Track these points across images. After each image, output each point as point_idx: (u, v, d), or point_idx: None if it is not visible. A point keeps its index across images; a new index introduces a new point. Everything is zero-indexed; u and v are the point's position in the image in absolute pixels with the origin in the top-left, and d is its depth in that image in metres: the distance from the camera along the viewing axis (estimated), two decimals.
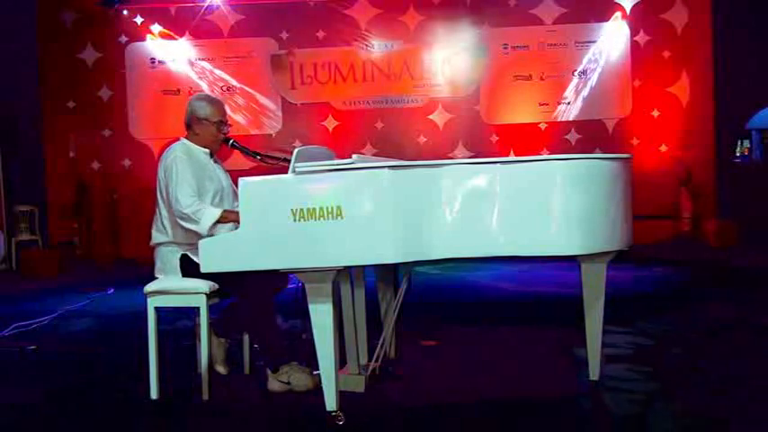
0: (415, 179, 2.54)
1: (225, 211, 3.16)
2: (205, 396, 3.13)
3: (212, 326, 3.31)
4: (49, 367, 3.88)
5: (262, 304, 3.17)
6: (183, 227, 3.19)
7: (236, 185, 2.64)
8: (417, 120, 9.07)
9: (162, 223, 3.29)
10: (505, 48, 9.04)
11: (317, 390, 2.77)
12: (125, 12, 8.79)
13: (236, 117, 8.75)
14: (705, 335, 4.07)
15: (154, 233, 3.34)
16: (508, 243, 2.55)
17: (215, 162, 3.44)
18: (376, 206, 2.48)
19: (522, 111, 9.03)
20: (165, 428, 2.95)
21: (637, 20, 8.88)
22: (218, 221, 3.11)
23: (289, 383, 3.15)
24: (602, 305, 2.99)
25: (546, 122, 9.02)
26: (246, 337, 3.48)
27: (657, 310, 4.74)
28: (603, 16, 8.93)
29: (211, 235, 3.02)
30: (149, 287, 3.18)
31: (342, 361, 3.08)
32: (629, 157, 2.90)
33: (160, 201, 3.29)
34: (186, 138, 3.41)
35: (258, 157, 3.42)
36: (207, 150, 3.40)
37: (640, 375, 3.28)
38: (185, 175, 3.20)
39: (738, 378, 3.19)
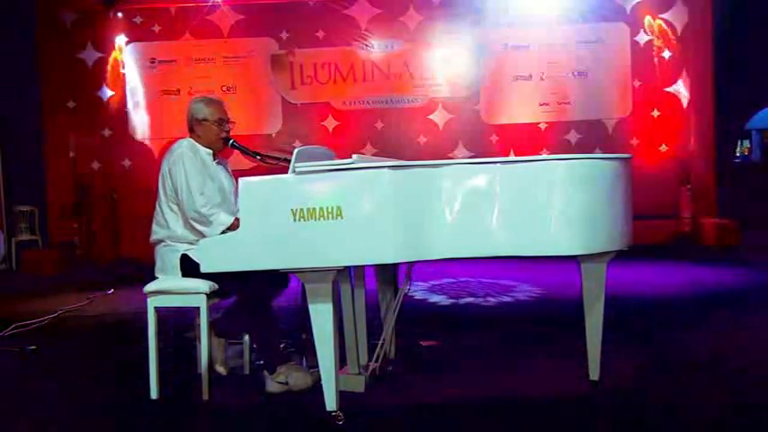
0: (415, 179, 2.54)
1: (236, 219, 3.14)
2: (205, 396, 3.13)
3: (212, 326, 3.30)
4: (49, 367, 3.88)
5: (261, 305, 3.17)
6: (190, 225, 3.20)
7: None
8: (417, 120, 9.07)
9: (163, 218, 3.29)
10: (505, 48, 9.04)
11: (317, 389, 2.77)
12: (123, 12, 8.80)
13: (236, 117, 8.73)
14: (706, 336, 4.08)
15: (154, 227, 3.34)
16: (508, 243, 2.55)
17: (218, 163, 3.44)
18: (376, 206, 2.48)
19: (522, 111, 9.03)
20: (165, 428, 2.94)
21: (637, 20, 8.89)
22: (228, 228, 3.10)
23: (287, 383, 3.15)
24: (602, 305, 2.99)
25: (546, 122, 9.02)
26: (246, 337, 3.48)
27: (659, 311, 4.74)
28: (603, 16, 8.93)
29: None
30: (149, 287, 3.18)
31: (342, 361, 3.08)
32: (629, 157, 2.89)
33: (162, 195, 3.29)
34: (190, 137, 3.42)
35: (258, 157, 3.43)
36: (210, 151, 3.40)
37: (640, 375, 3.28)
38: (194, 171, 3.21)
39: (738, 377, 3.19)
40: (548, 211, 2.55)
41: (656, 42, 8.59)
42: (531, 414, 2.85)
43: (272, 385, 3.16)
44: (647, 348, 3.81)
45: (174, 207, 3.26)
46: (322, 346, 2.63)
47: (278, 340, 3.29)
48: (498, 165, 2.59)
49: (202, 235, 3.11)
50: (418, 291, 5.71)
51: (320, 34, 8.99)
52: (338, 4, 8.97)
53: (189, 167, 3.22)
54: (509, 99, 9.05)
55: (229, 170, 3.53)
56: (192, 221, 3.20)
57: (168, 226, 3.28)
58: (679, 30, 8.88)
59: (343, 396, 2.76)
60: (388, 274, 3.51)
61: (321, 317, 2.62)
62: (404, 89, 9.05)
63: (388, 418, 2.89)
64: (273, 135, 9.00)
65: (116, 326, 4.96)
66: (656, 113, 8.92)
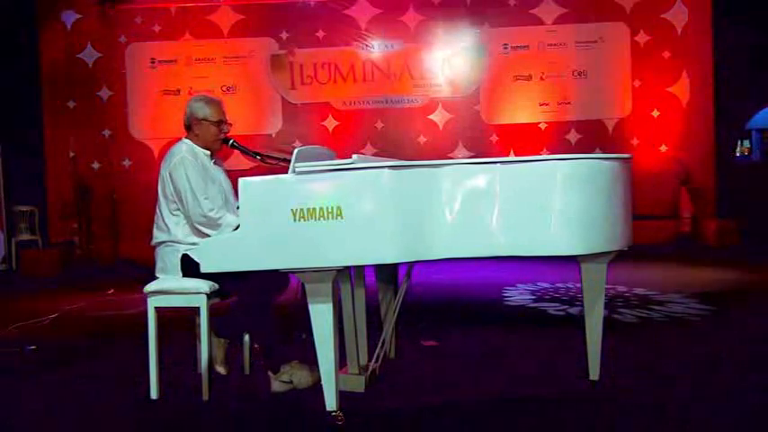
0: (415, 179, 2.54)
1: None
2: (205, 396, 3.13)
3: (212, 326, 3.30)
4: (49, 367, 3.88)
5: (261, 305, 3.17)
6: (196, 229, 3.20)
7: (237, 185, 2.63)
8: (417, 120, 9.08)
9: (163, 222, 3.29)
10: (505, 48, 9.05)
11: (317, 389, 2.77)
12: (123, 12, 8.81)
13: (236, 117, 8.73)
14: (706, 336, 4.08)
15: (155, 232, 3.34)
16: (508, 243, 2.55)
17: (215, 164, 3.44)
18: (376, 206, 2.47)
19: (522, 111, 9.04)
20: (165, 428, 2.94)
21: (637, 20, 8.90)
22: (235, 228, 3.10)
23: (291, 383, 3.15)
24: (603, 305, 3.00)
25: (546, 122, 9.03)
26: (246, 337, 3.48)
27: (658, 311, 4.74)
28: (603, 16, 8.94)
29: None
30: (150, 287, 3.18)
31: (342, 361, 3.08)
32: (629, 158, 2.89)
33: (162, 200, 3.28)
34: (187, 139, 3.41)
35: (258, 157, 3.42)
36: (208, 152, 3.40)
37: (640, 375, 3.28)
38: (196, 176, 3.21)
39: (738, 377, 3.20)
40: (547, 212, 2.55)
41: None
42: (531, 414, 2.85)
43: (277, 385, 3.16)
44: (647, 348, 3.81)
45: (176, 211, 3.26)
46: (322, 346, 2.63)
47: (279, 340, 3.29)
48: (498, 165, 2.59)
49: (200, 235, 3.12)
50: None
51: (320, 34, 8.99)
52: (338, 3, 8.98)
53: (191, 172, 3.21)
54: (509, 99, 9.06)
55: (225, 170, 3.52)
56: (199, 226, 3.19)
57: (169, 230, 3.27)
58: (679, 30, 8.89)
59: (343, 396, 2.75)
60: (388, 273, 3.51)
61: (321, 317, 2.62)
62: (404, 89, 9.06)
63: (388, 418, 2.89)
64: (273, 135, 9.00)
65: (116, 326, 4.96)
66: (656, 113, 8.93)
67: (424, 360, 3.70)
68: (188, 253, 3.22)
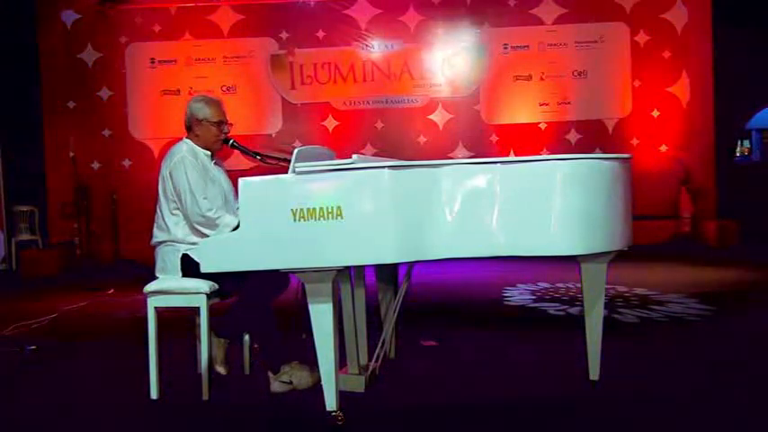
0: (415, 179, 2.54)
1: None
2: (205, 396, 3.13)
3: (212, 326, 3.30)
4: (49, 367, 3.88)
5: (262, 305, 3.17)
6: (195, 229, 3.20)
7: (237, 185, 2.63)
8: (417, 120, 9.08)
9: (164, 222, 3.29)
10: (505, 48, 9.05)
11: (317, 389, 2.77)
12: (123, 12, 8.81)
13: (236, 117, 8.73)
14: (706, 336, 4.08)
15: (155, 231, 3.34)
16: (508, 243, 2.54)
17: (215, 164, 3.44)
18: (376, 206, 2.47)
19: (522, 111, 9.04)
20: (165, 428, 2.95)
21: (637, 20, 8.90)
22: (234, 229, 3.10)
23: (291, 383, 3.15)
24: (602, 305, 3.00)
25: (546, 122, 9.03)
26: (246, 337, 3.48)
27: (659, 311, 4.74)
28: (603, 16, 8.94)
29: None
30: (149, 287, 3.18)
31: (342, 361, 3.08)
32: (629, 157, 2.89)
33: (162, 199, 3.28)
34: (187, 139, 3.41)
35: (258, 157, 3.42)
36: (208, 153, 3.40)
37: (640, 375, 3.28)
38: (196, 176, 3.21)
39: (738, 377, 3.20)
40: (547, 212, 2.55)
41: None
42: (531, 414, 2.85)
43: (277, 385, 3.16)
44: (647, 348, 3.81)
45: (176, 211, 3.26)
46: (322, 346, 2.63)
47: (279, 340, 3.29)
48: (498, 165, 2.59)
49: (201, 235, 3.12)
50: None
51: (320, 34, 9.00)
52: (338, 3, 8.98)
53: (191, 172, 3.21)
54: (509, 99, 9.06)
55: (225, 170, 3.52)
56: (197, 226, 3.19)
57: (169, 230, 3.27)
58: (679, 30, 8.89)
59: (343, 396, 2.76)
60: (388, 273, 3.51)
61: (321, 317, 2.62)
62: (404, 89, 9.07)
63: (388, 418, 2.89)
64: (273, 135, 9.00)
65: (116, 326, 4.96)
66: (656, 113, 8.93)
67: (423, 360, 3.70)
68: (188, 253, 3.23)
